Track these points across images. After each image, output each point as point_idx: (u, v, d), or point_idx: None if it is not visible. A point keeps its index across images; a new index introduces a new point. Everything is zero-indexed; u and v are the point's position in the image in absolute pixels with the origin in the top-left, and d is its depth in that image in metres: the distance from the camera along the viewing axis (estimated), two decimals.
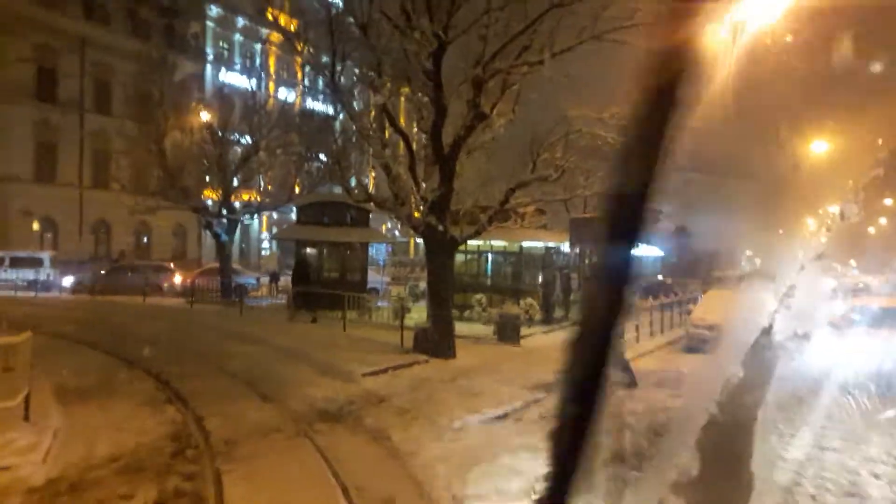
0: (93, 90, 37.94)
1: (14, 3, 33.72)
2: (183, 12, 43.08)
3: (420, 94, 13.05)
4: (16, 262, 30.01)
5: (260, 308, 23.14)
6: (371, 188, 21.09)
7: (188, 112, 27.82)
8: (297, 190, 26.09)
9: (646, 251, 31.52)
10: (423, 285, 21.38)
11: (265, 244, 51.20)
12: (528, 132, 14.75)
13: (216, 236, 25.40)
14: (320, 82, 26.65)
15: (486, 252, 22.26)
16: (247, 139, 26.31)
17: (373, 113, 15.30)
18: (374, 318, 19.64)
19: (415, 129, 14.96)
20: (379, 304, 22.11)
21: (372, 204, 15.46)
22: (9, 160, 34.19)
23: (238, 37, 47.92)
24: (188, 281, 27.71)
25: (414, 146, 13.98)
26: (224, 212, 25.22)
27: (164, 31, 41.47)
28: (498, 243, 21.50)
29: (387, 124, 14.48)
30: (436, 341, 13.73)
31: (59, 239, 36.79)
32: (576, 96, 13.94)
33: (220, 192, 25.55)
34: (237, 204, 26.78)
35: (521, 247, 21.52)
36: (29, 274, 29.36)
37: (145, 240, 42.13)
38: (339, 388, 11.01)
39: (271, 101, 32.29)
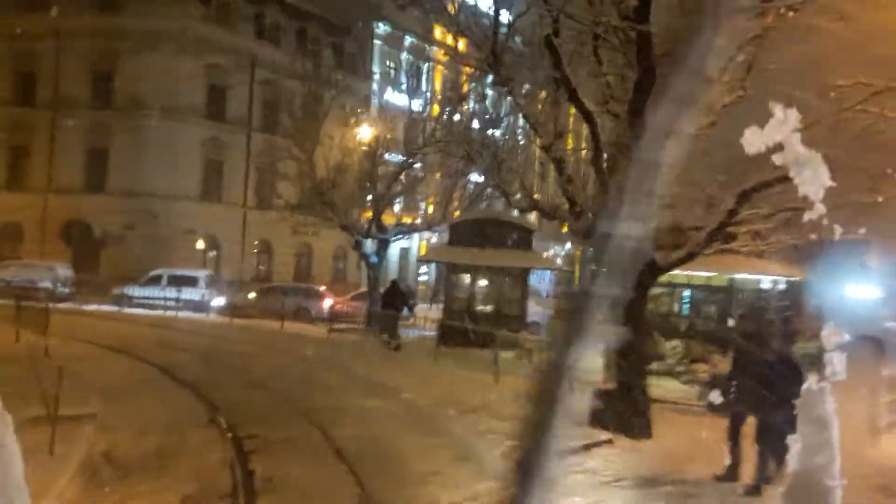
0: (260, 109, 37.73)
1: (190, 22, 34.13)
2: (351, 31, 42.29)
3: (613, 56, 9.14)
4: (174, 281, 29.51)
5: (406, 340, 20.06)
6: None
7: (348, 128, 25.98)
8: (455, 206, 23.01)
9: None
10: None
11: (423, 268, 49.02)
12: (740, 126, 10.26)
13: (364, 258, 22.83)
14: (487, 93, 23.54)
15: (682, 285, 17.51)
16: (402, 158, 23.86)
17: (543, 93, 11.58)
18: (535, 360, 15.76)
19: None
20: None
21: (536, 219, 11.73)
22: (176, 178, 34.41)
23: (405, 55, 46.63)
24: (337, 306, 25.44)
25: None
26: (374, 230, 22.61)
27: (331, 50, 40.78)
28: (699, 274, 16.73)
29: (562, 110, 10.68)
30: (623, 413, 9.54)
31: (222, 258, 36.61)
32: (842, 57, 9.32)
33: (371, 209, 23.04)
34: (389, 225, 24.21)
35: (730, 280, 16.62)
36: (184, 293, 28.67)
37: (305, 261, 41.33)
38: (482, 490, 7.16)
39: (435, 115, 29.83)
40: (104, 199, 34.01)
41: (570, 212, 9.80)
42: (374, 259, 22.72)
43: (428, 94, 32.65)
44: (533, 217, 20.26)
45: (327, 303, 26.46)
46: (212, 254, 36.31)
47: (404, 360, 15.76)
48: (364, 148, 24.59)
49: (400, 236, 23.46)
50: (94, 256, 34.14)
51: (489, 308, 19.23)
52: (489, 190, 22.65)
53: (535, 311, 22.63)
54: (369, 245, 23.32)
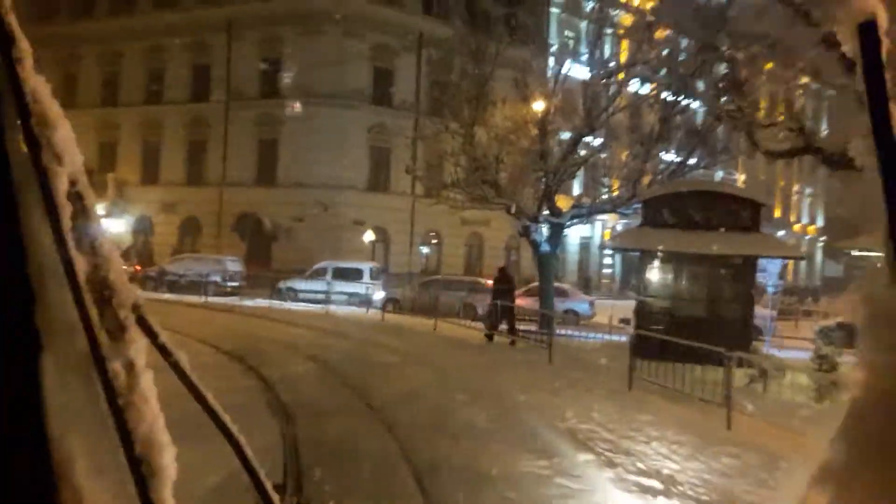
0: (427, 91, 35.31)
1: (354, 3, 32.44)
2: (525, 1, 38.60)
3: None
4: (338, 274, 27.79)
5: (585, 350, 16.10)
6: None
7: (519, 103, 22.43)
8: (646, 184, 18.52)
9: None
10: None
11: (607, 259, 44.22)
12: None
13: (534, 246, 19.09)
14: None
15: None
16: (578, 134, 19.74)
17: None
18: (772, 386, 11.17)
19: None
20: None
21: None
22: (344, 168, 32.92)
23: (584, 24, 42.08)
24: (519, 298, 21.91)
25: None
26: (545, 213, 18.74)
27: (504, 23, 37.39)
28: None
29: None
30: None
31: (391, 250, 34.69)
32: None
33: (542, 190, 19.16)
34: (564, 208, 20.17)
35: None
36: (349, 287, 26.82)
37: (475, 253, 38.44)
38: None
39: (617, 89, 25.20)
40: (274, 192, 33.38)
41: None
42: (545, 248, 18.93)
43: (612, 63, 28.11)
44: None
45: None
46: (380, 246, 34.52)
47: (585, 381, 11.76)
48: (535, 121, 20.90)
49: (577, 220, 19.38)
50: (265, 249, 33.66)
51: (699, 310, 14.66)
52: (693, 161, 17.96)
53: (758, 312, 17.56)
54: (541, 232, 19.61)
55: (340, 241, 32.28)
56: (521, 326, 17.70)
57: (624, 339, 16.47)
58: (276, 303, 25.17)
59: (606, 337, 17.15)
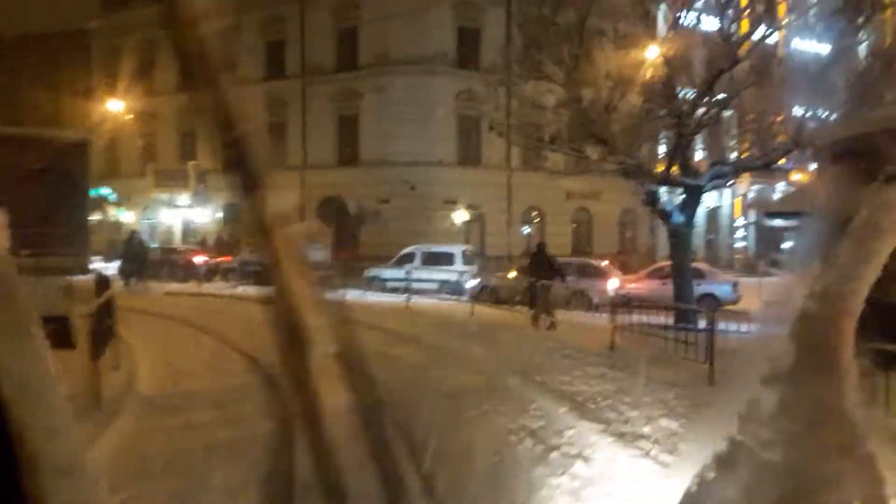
0: (519, 50, 31.32)
1: None
2: None
3: None
4: (428, 259, 24.60)
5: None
6: None
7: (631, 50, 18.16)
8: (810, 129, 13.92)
9: None
10: None
11: (741, 232, 38.80)
12: None
13: (664, 217, 14.94)
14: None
15: None
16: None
17: None
18: None
19: None
20: None
21: None
22: (431, 142, 29.65)
23: None
24: (627, 289, 17.89)
25: None
26: (676, 175, 14.43)
27: None
28: None
29: None
30: None
31: (487, 231, 31.17)
32: None
33: (672, 143, 14.88)
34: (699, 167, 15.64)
35: None
36: (440, 273, 23.57)
37: (585, 231, 34.24)
38: None
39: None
40: (357, 172, 30.62)
41: None
42: (678, 218, 14.74)
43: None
44: None
45: (612, 284, 19.04)
46: (475, 227, 31.09)
47: None
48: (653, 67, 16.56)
49: (717, 183, 14.86)
50: (352, 235, 30.99)
51: None
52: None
53: None
54: (671, 199, 15.48)
55: (431, 223, 29.14)
56: (644, 319, 13.66)
57: None
58: (358, 293, 22.25)
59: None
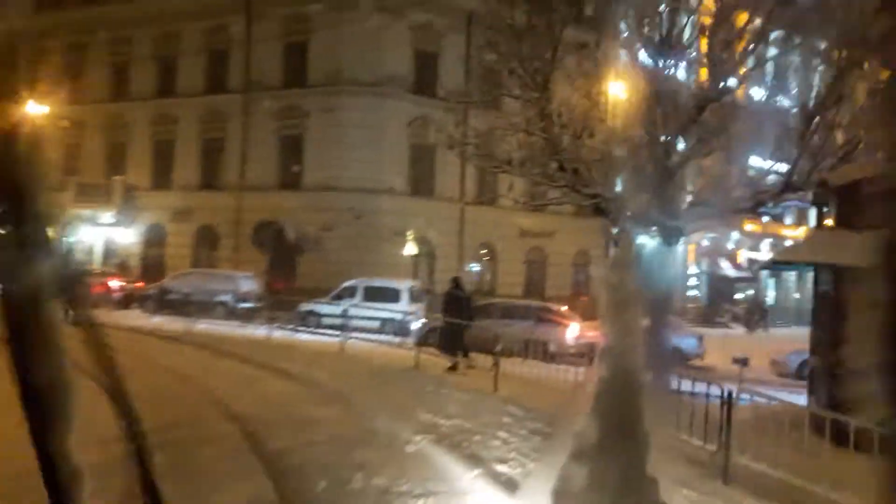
0: (478, 78, 29.92)
1: None
2: None
3: None
4: (371, 294, 22.48)
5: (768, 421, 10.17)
6: None
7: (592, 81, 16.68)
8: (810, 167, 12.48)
9: None
10: None
11: (693, 281, 37.94)
12: None
13: (636, 262, 13.42)
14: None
15: None
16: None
17: None
18: None
19: None
20: None
21: None
22: (381, 168, 27.72)
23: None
24: (588, 337, 16.11)
25: None
26: (657, 215, 12.77)
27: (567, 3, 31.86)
28: None
29: None
30: None
31: (436, 267, 29.22)
32: None
33: (652, 176, 13.29)
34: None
35: None
36: (384, 311, 21.35)
37: (536, 271, 32.67)
38: None
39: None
40: (299, 196, 28.40)
41: None
42: (653, 268, 13.12)
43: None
44: None
45: (572, 332, 17.28)
46: (424, 261, 29.12)
47: None
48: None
49: (703, 224, 13.22)
50: (289, 264, 28.63)
51: None
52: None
53: None
54: (646, 241, 13.88)
55: (376, 255, 27.03)
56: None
57: (801, 399, 10.66)
58: (286, 332, 19.95)
59: (759, 400, 10.76)
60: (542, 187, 16.27)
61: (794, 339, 24.73)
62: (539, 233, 31.31)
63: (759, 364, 18.46)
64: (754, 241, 41.73)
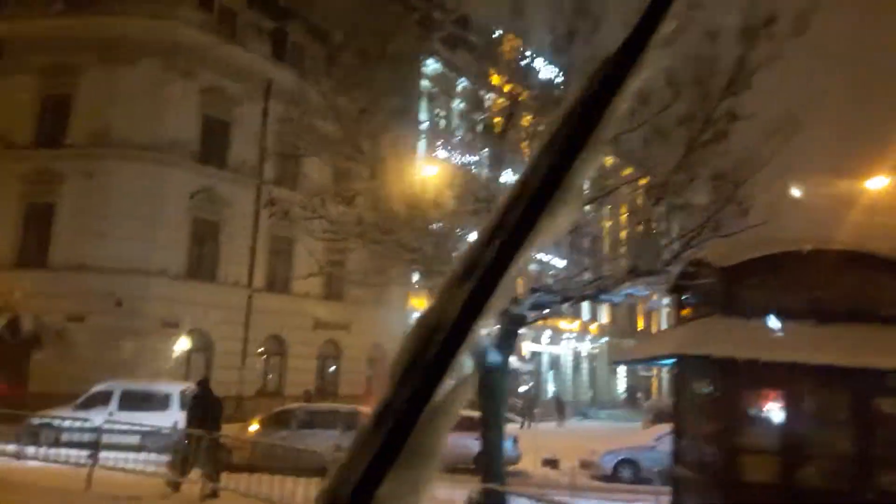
0: (275, 153, 27.31)
1: (182, 27, 24.31)
2: (394, 62, 32.49)
3: None
4: (129, 401, 18.01)
5: None
6: None
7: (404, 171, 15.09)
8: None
9: None
10: None
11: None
12: None
13: (476, 358, 11.26)
14: None
15: None
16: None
17: None
18: None
19: None
20: None
21: None
22: (152, 246, 23.45)
23: (458, 103, 36.80)
24: None
25: None
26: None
27: (369, 83, 30.84)
28: None
29: None
30: None
31: (215, 363, 25.00)
32: None
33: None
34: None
35: None
36: (146, 421, 16.92)
37: (331, 368, 29.64)
38: None
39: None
40: (44, 277, 23.00)
41: None
42: (494, 358, 11.22)
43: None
44: None
45: None
46: (199, 357, 24.79)
47: None
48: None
49: (547, 311, 11.86)
50: (21, 362, 22.73)
51: (845, 477, 7.59)
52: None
53: None
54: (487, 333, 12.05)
55: (141, 351, 22.39)
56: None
57: None
58: (5, 458, 14.89)
59: None
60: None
61: (595, 434, 24.46)
62: (335, 324, 28.58)
63: (569, 463, 17.36)
64: (536, 333, 42.40)
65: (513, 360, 40.92)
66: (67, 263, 22.98)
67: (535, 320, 12.59)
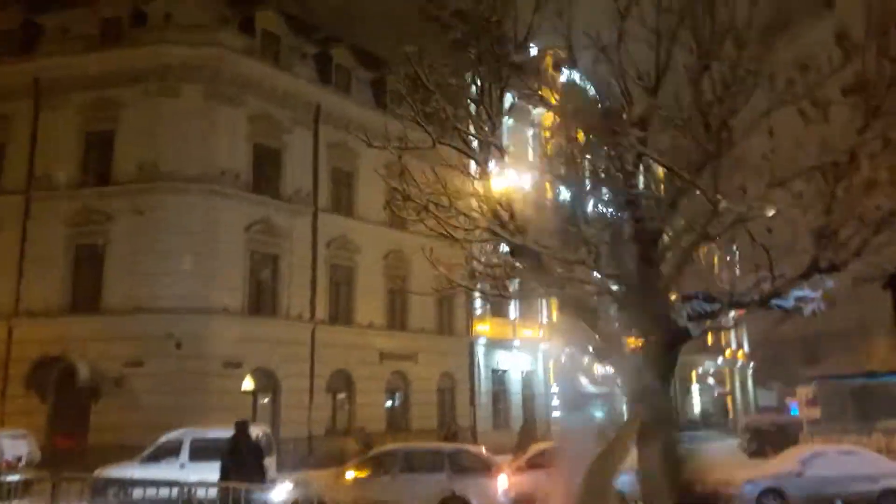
0: (328, 179, 26.05)
1: (227, 53, 23.25)
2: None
3: None
4: (200, 450, 16.38)
5: None
6: None
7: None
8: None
9: None
10: None
11: (556, 401, 35.01)
12: None
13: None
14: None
15: None
16: None
17: None
18: None
19: None
20: None
21: None
22: (210, 283, 22.10)
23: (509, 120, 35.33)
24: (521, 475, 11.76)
25: None
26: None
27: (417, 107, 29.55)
28: None
29: None
30: None
31: (281, 403, 23.42)
32: None
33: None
34: None
35: None
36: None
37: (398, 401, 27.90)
38: None
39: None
40: (97, 322, 21.81)
41: None
42: (652, 384, 9.35)
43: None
44: None
45: (502, 483, 12.82)
46: (264, 398, 23.28)
47: None
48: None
49: (709, 323, 10.03)
50: (81, 413, 21.43)
51: None
52: None
53: None
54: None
55: (203, 395, 20.96)
56: None
57: None
58: None
59: None
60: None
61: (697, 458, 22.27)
62: (400, 355, 26.95)
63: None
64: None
65: (586, 383, 39.10)
66: (122, 306, 21.72)
67: (699, 334, 10.66)
